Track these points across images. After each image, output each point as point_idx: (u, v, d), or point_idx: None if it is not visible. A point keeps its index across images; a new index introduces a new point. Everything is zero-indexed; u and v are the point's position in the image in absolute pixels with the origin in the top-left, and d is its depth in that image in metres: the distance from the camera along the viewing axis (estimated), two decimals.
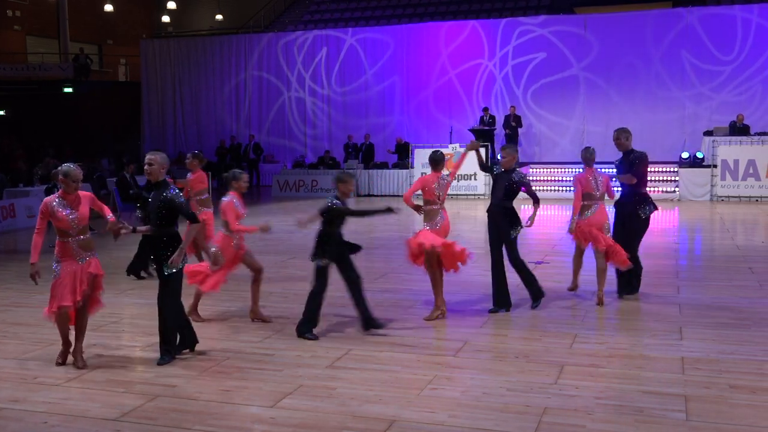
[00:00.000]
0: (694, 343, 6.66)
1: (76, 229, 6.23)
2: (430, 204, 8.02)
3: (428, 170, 8.62)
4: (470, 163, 21.41)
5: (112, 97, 30.74)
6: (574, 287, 8.72)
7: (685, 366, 6.00)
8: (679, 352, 6.39)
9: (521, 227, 8.08)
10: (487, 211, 8.36)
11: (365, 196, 23.36)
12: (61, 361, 6.38)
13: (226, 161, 27.46)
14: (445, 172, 8.12)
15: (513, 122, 23.08)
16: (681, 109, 23.61)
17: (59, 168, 6.36)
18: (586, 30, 24.54)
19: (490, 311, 8.00)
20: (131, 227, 6.48)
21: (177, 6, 30.89)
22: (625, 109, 23.75)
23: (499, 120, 23.70)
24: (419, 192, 8.16)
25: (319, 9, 31.68)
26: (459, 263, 7.78)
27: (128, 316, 8.16)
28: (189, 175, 10.75)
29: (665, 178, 20.82)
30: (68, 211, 6.18)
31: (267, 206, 20.69)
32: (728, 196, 19.73)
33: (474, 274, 10.12)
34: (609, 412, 5.07)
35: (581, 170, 8.43)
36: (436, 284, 7.80)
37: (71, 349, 6.40)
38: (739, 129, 20.81)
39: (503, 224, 8.06)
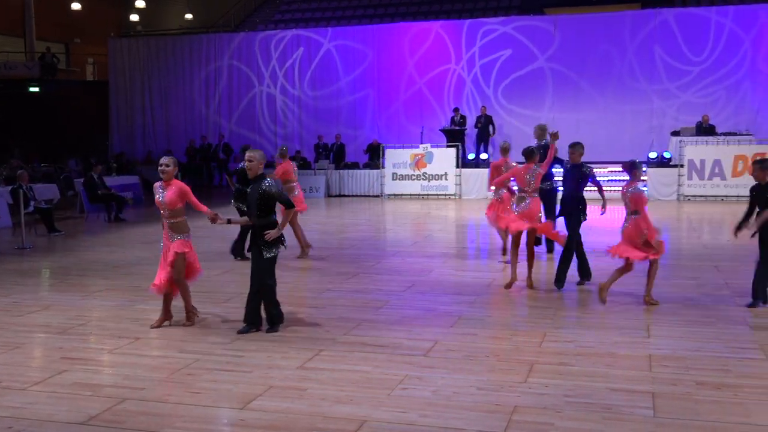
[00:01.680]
0: (661, 340, 6.74)
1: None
2: (521, 191, 9.14)
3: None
4: (442, 163, 21.66)
5: (79, 96, 30.34)
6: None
7: (653, 363, 6.07)
8: (646, 349, 6.47)
9: (585, 218, 9.16)
10: (561, 201, 9.38)
11: (336, 196, 23.35)
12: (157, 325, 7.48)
13: (196, 161, 27.29)
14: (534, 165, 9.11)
15: (483, 122, 23.24)
16: (648, 102, 24.07)
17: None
18: (556, 30, 24.82)
19: (578, 284, 9.16)
20: (226, 219, 7.52)
21: (146, 5, 30.57)
22: (595, 98, 24.15)
23: (471, 120, 23.84)
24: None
25: (289, 9, 31.59)
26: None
27: (96, 318, 8.07)
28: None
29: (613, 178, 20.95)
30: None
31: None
32: (695, 196, 20.03)
33: (445, 274, 10.16)
34: (578, 410, 5.12)
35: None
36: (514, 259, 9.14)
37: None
38: (705, 129, 21.17)
39: (574, 211, 9.05)
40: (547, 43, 24.89)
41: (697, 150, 20.12)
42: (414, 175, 21.93)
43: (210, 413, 5.23)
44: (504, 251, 11.15)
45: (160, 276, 7.40)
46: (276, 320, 7.27)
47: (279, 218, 7.15)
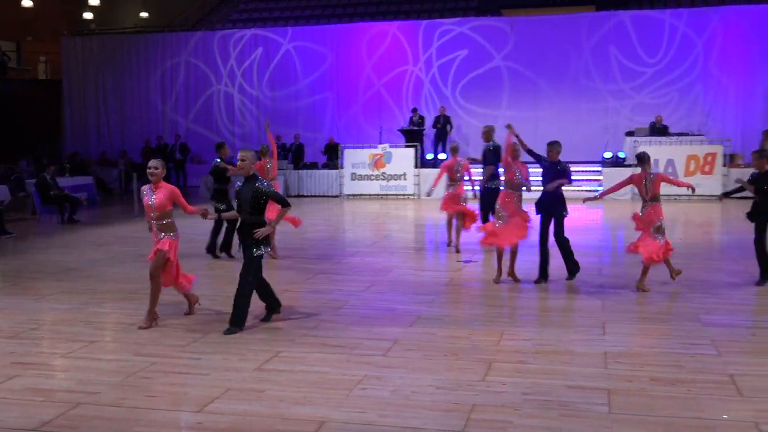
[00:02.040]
0: (616, 337, 6.84)
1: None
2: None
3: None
4: (401, 163, 21.69)
5: (31, 96, 29.67)
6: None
7: (608, 360, 6.16)
8: (602, 346, 6.56)
9: (566, 213, 9.45)
10: (539, 197, 9.50)
11: (295, 196, 23.24)
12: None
13: None
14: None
15: (441, 122, 23.38)
16: (603, 102, 24.51)
17: None
18: (512, 31, 25.11)
19: (535, 282, 9.31)
20: (217, 215, 7.86)
21: (100, 2, 30.04)
22: (552, 97, 24.55)
23: (429, 120, 23.96)
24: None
25: (247, 8, 31.35)
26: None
27: (48, 322, 7.90)
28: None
29: (589, 178, 21.36)
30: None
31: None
32: None
33: (404, 274, 10.18)
34: (535, 407, 5.16)
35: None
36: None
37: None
38: (658, 129, 21.57)
39: (555, 206, 9.30)
40: (503, 42, 25.19)
41: (650, 150, 20.32)
42: (373, 175, 21.93)
43: (167, 417, 5.16)
44: (449, 243, 12.06)
45: (170, 273, 7.59)
46: (241, 320, 7.28)
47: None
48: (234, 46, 27.66)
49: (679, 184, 9.79)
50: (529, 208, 9.55)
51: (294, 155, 24.95)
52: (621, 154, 21.40)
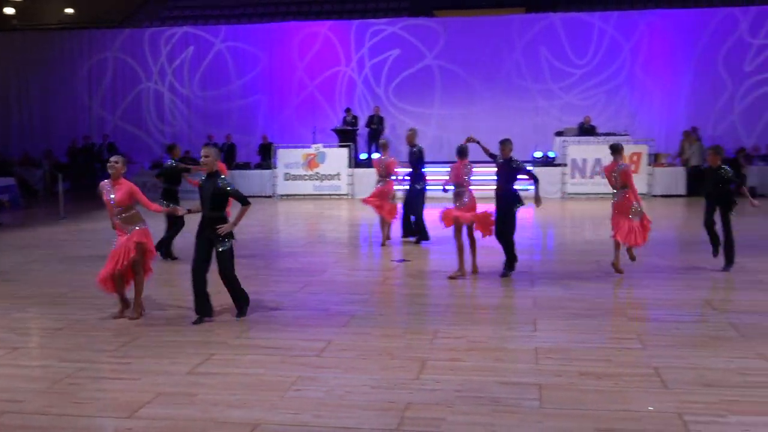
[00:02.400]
0: (547, 333, 6.99)
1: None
2: (459, 187, 9.79)
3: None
4: (334, 163, 21.66)
5: None
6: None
7: (539, 356, 6.29)
8: (533, 342, 6.69)
9: (521, 204, 9.77)
10: (495, 194, 9.88)
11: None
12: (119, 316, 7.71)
13: (78, 162, 26.21)
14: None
15: (375, 123, 23.45)
16: (533, 101, 25.10)
17: None
18: (445, 32, 25.40)
19: (502, 275, 9.69)
20: (186, 209, 8.13)
21: None
22: (484, 95, 25.00)
23: (363, 120, 24.01)
24: None
25: (177, 5, 30.82)
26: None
27: None
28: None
29: (520, 177, 21.66)
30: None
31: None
32: (578, 194, 20.87)
33: (338, 274, 10.18)
34: (468, 404, 5.24)
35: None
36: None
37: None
38: (586, 130, 22.11)
39: (507, 203, 9.68)
40: (435, 42, 25.54)
41: (579, 149, 20.99)
42: (306, 176, 21.84)
43: (95, 423, 5.04)
44: (385, 241, 12.47)
45: (104, 270, 7.60)
46: (245, 303, 7.78)
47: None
48: (165, 43, 27.20)
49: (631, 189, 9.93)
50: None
51: (226, 155, 24.62)
52: (551, 154, 21.86)
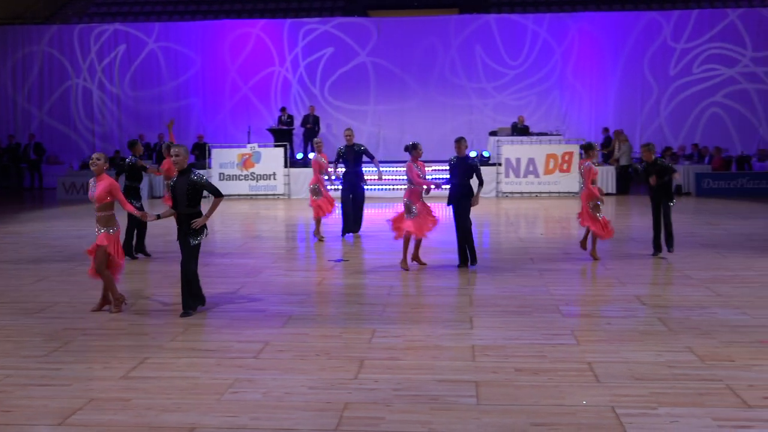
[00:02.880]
0: (483, 331, 7.08)
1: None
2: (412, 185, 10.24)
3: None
4: (270, 163, 21.48)
5: None
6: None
7: (476, 353, 6.36)
8: (470, 340, 6.77)
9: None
10: (449, 191, 10.39)
11: (160, 197, 22.55)
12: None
13: (4, 162, 25.39)
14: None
15: (310, 123, 23.38)
16: (467, 98, 25.50)
17: None
18: (380, 31, 25.52)
19: (458, 266, 10.28)
20: (155, 215, 8.02)
21: None
22: (418, 90, 25.26)
23: (299, 119, 23.91)
24: None
25: (106, 2, 30.11)
26: None
27: None
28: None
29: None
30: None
31: (52, 210, 19.34)
32: (512, 192, 21.21)
33: (275, 274, 10.11)
34: (406, 403, 5.26)
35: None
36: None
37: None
38: (520, 129, 22.48)
39: (463, 199, 10.19)
40: (368, 39, 25.70)
41: (513, 149, 21.32)
42: (242, 176, 21.61)
43: None
44: (317, 233, 13.00)
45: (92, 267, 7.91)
46: (193, 301, 7.82)
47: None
48: (95, 40, 26.56)
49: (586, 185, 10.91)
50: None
51: (158, 155, 24.19)
52: (486, 153, 22.15)
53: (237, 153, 21.75)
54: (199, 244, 7.76)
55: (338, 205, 13.38)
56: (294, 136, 23.41)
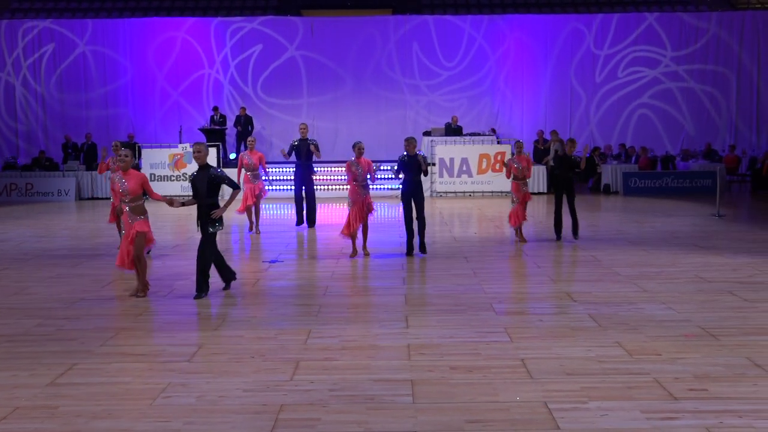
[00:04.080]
0: (418, 330, 7.13)
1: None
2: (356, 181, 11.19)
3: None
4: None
5: None
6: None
7: (411, 352, 6.40)
8: (405, 339, 6.80)
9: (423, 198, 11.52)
10: (402, 187, 11.43)
11: (88, 199, 22.01)
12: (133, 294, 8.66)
13: None
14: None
15: (242, 122, 23.21)
16: (401, 92, 25.70)
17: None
18: (313, 29, 25.49)
19: (406, 254, 11.36)
20: (180, 202, 8.77)
21: None
22: (351, 85, 25.40)
23: (231, 119, 23.66)
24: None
25: None
26: None
27: None
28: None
29: (391, 176, 22.00)
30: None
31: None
32: (446, 192, 21.43)
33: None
34: (343, 403, 5.26)
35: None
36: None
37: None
38: (453, 130, 22.70)
39: (417, 193, 11.29)
40: (296, 33, 25.72)
41: (446, 149, 21.54)
42: (173, 176, 21.24)
43: None
44: (251, 227, 13.99)
45: (123, 255, 8.48)
46: (205, 285, 8.58)
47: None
48: (24, 35, 25.74)
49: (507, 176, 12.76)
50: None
51: (86, 156, 23.61)
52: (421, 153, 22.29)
53: (168, 153, 21.37)
54: (215, 233, 8.60)
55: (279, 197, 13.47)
56: (227, 135, 23.14)
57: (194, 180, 8.56)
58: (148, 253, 10.11)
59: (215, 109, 23.39)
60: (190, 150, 21.27)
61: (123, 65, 25.77)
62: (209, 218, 8.49)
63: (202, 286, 8.56)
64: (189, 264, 10.82)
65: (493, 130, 23.93)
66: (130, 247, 8.50)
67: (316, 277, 9.72)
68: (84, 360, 6.29)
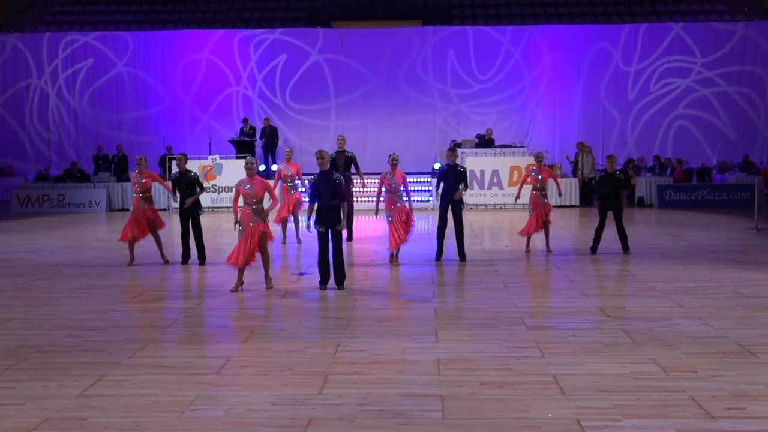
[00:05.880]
0: (448, 344, 7.08)
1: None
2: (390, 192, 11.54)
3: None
4: (232, 174, 21.32)
5: None
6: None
7: (441, 367, 6.36)
8: (435, 354, 6.76)
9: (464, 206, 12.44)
10: (442, 195, 11.85)
11: (119, 210, 22.29)
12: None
13: None
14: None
15: (266, 136, 23.46)
16: (430, 96, 25.76)
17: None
18: (343, 41, 25.66)
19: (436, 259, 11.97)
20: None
21: None
22: (382, 83, 25.66)
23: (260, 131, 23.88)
24: None
25: (63, 11, 29.75)
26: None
27: None
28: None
29: (420, 188, 22.13)
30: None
31: (5, 224, 18.97)
32: (476, 204, 21.35)
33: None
34: (371, 418, 5.24)
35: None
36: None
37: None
38: (485, 141, 22.67)
39: (457, 203, 11.70)
40: (317, 37, 25.88)
41: (477, 161, 21.49)
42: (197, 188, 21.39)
43: None
44: (284, 239, 14.36)
45: (240, 253, 9.46)
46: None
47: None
48: (63, 48, 26.31)
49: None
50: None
51: (117, 167, 23.93)
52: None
53: (198, 165, 21.56)
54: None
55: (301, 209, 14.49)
56: (256, 147, 23.31)
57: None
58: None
59: (245, 120, 23.60)
60: (220, 162, 21.64)
61: (154, 88, 26.16)
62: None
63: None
64: (219, 276, 10.90)
65: (522, 144, 23.82)
66: (251, 245, 9.48)
67: (345, 290, 9.71)
68: (113, 371, 6.34)
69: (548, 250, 12.80)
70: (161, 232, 12.50)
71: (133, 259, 12.05)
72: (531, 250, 12.94)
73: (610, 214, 12.47)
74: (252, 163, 9.75)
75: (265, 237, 9.67)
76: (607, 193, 12.40)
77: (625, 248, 12.49)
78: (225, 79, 26.04)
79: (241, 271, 9.70)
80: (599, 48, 25.67)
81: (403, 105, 25.71)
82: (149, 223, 12.07)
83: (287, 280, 10.61)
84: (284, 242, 14.26)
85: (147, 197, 12.07)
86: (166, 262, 12.11)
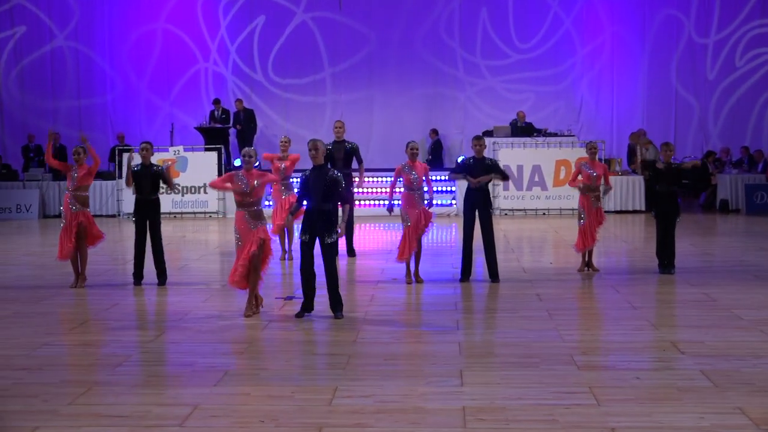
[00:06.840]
0: (476, 388, 7.07)
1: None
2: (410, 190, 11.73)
3: None
4: (200, 171, 21.34)
5: None
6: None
7: (467, 417, 6.34)
8: (459, 401, 6.75)
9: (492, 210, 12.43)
10: (466, 193, 11.90)
11: (56, 216, 22.37)
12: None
13: None
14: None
15: (242, 118, 23.16)
16: (454, 67, 25.55)
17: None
18: (341, 8, 25.48)
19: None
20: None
21: None
22: (393, 46, 25.53)
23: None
24: None
25: None
26: None
27: None
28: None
29: (441, 188, 21.59)
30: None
31: None
32: (512, 210, 21.25)
33: (207, 316, 10.03)
34: None
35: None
36: None
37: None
38: (521, 128, 22.37)
39: (486, 203, 11.83)
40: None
41: (513, 154, 21.29)
42: (162, 188, 21.42)
43: None
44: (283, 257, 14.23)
45: (238, 271, 9.72)
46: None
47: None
48: None
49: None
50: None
51: (57, 159, 23.97)
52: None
53: (156, 159, 21.58)
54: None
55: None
56: (230, 136, 23.23)
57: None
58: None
59: (216, 102, 23.43)
60: (185, 155, 21.69)
61: (100, 68, 26.14)
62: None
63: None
64: (183, 300, 10.95)
65: (571, 133, 23.54)
66: (247, 261, 9.68)
67: (344, 319, 9.71)
68: (47, 423, 6.35)
69: (593, 268, 12.70)
70: (92, 250, 12.41)
71: (78, 278, 11.96)
72: (589, 270, 12.74)
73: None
74: (251, 156, 10.04)
75: (265, 244, 9.87)
76: (660, 191, 12.34)
77: (668, 266, 12.26)
78: (189, 54, 25.84)
79: (251, 291, 9.90)
80: (666, 16, 25.50)
81: (420, 63, 25.35)
82: (78, 231, 11.84)
83: (272, 306, 10.62)
84: (287, 258, 14.17)
85: (81, 197, 11.99)
86: (82, 282, 11.96)
